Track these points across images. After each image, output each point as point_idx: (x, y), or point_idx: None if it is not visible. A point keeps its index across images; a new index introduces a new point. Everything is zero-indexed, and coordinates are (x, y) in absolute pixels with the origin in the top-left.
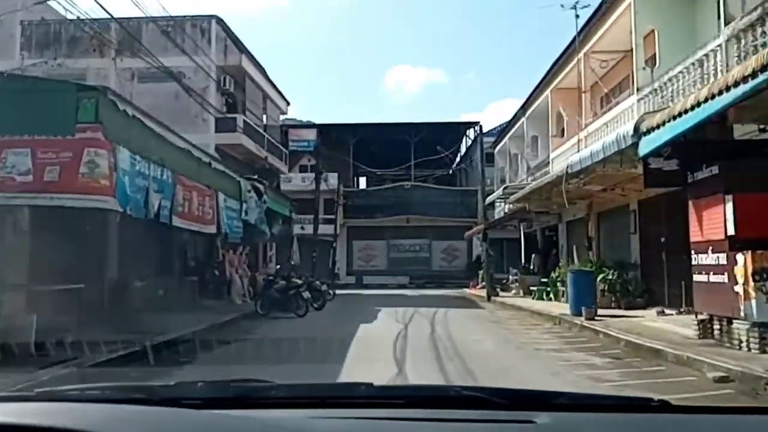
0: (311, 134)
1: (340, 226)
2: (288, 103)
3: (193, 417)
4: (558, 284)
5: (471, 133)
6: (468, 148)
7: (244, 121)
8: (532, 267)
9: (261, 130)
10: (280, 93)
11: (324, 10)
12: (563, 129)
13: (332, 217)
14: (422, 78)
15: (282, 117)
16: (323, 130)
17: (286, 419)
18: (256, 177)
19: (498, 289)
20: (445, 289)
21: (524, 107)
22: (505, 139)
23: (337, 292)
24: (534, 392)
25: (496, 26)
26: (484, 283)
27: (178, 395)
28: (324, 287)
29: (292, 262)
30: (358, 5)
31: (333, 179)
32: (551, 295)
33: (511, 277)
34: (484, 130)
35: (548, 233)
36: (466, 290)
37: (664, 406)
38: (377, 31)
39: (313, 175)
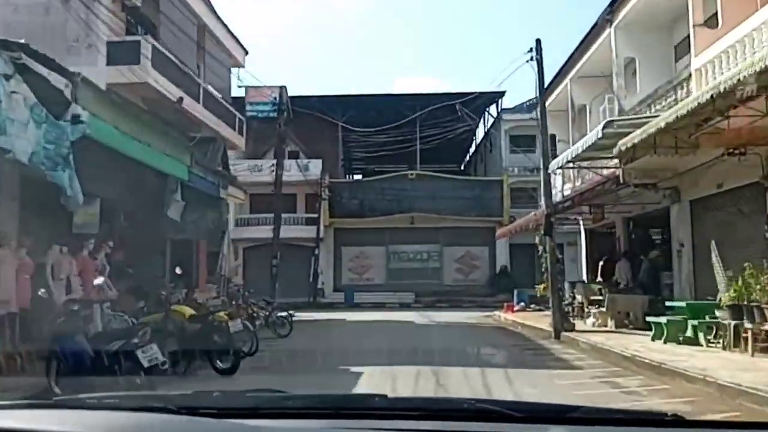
0: (275, 94)
1: (324, 228)
2: (246, 52)
3: (210, 426)
4: (726, 312)
5: (493, 111)
6: (490, 127)
7: (155, 48)
8: (616, 279)
9: (187, 69)
10: (233, 36)
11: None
12: (716, 15)
13: (314, 215)
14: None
15: (241, 80)
16: (302, 102)
17: (300, 429)
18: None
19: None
20: (463, 310)
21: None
22: (562, 86)
23: (316, 316)
24: (549, 406)
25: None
26: (531, 305)
27: (194, 404)
28: (276, 315)
29: (222, 273)
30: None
31: (315, 167)
32: (700, 335)
33: (569, 294)
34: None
35: (640, 225)
36: (499, 314)
37: (678, 421)
38: (386, 39)
39: (291, 162)
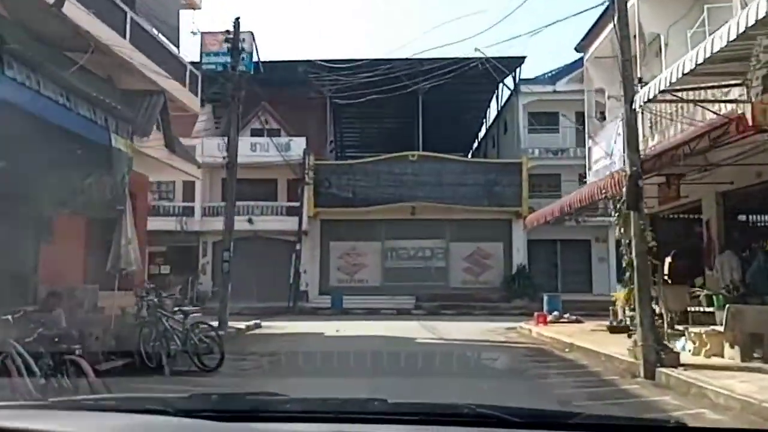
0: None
1: (309, 219)
2: None
3: (208, 428)
4: None
5: (507, 89)
6: (505, 102)
7: None
8: (702, 283)
9: None
10: None
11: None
12: None
13: (295, 204)
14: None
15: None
16: (285, 71)
17: None
18: None
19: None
20: (473, 318)
21: None
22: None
23: (289, 326)
24: (550, 412)
25: None
26: (566, 315)
27: (193, 407)
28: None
29: (118, 269)
30: None
31: (298, 147)
32: None
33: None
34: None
35: (742, 203)
36: (527, 326)
37: (681, 428)
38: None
39: (269, 141)
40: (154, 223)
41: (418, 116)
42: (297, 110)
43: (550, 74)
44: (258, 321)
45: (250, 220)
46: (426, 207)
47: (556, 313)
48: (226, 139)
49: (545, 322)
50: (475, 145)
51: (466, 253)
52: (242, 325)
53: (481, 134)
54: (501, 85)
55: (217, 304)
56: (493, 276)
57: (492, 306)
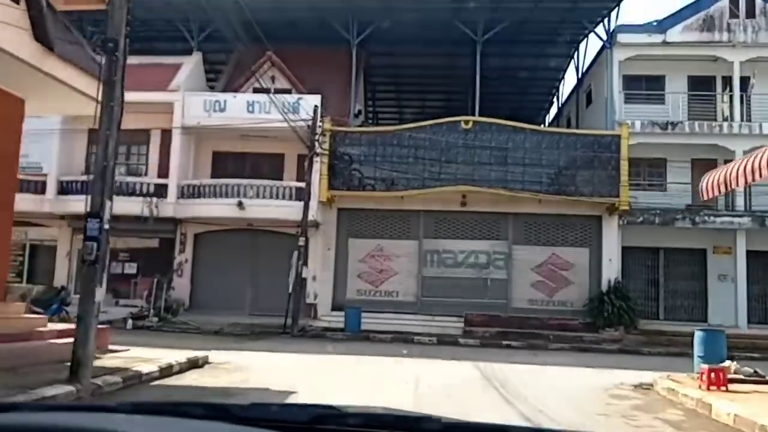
0: None
1: (321, 207)
2: None
3: None
4: None
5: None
6: (596, 57)
7: None
8: None
9: None
10: None
11: None
12: None
13: (300, 185)
14: None
15: None
16: (295, 8)
17: None
18: None
19: None
20: (552, 355)
21: None
22: None
23: (252, 365)
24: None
25: None
26: (734, 365)
27: (254, 415)
28: None
29: None
30: None
31: (310, 107)
32: None
33: None
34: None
35: None
36: (677, 388)
37: None
38: None
39: (267, 100)
40: (118, 206)
41: (475, 78)
42: (316, 66)
43: (654, 23)
44: (205, 355)
45: (240, 204)
46: (482, 195)
47: (728, 363)
48: (220, 95)
49: (724, 383)
50: (548, 120)
51: (536, 261)
52: (171, 360)
53: (556, 107)
54: (587, 35)
55: (200, 317)
56: (573, 294)
57: (573, 337)
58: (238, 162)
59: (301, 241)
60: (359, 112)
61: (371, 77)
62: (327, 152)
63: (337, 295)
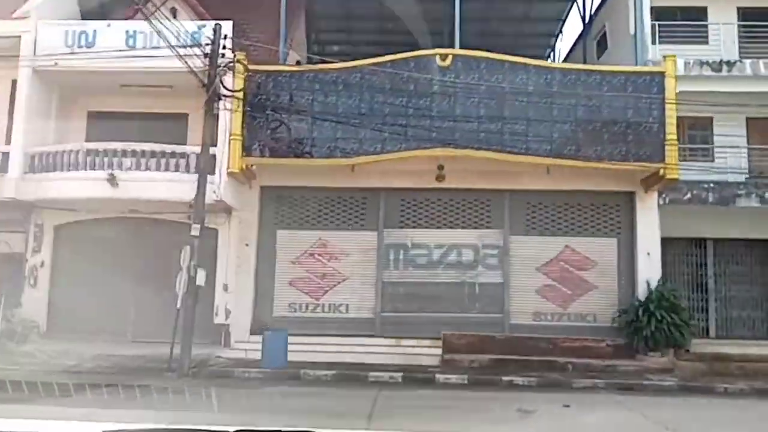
0: None
1: (231, 182)
2: None
3: None
4: None
5: None
6: None
7: None
8: None
9: None
10: None
11: None
12: None
13: (196, 149)
14: None
15: None
16: None
17: None
18: None
19: None
20: (576, 398)
21: None
22: None
23: None
24: None
25: None
26: None
27: None
28: None
29: None
30: None
31: (214, 36)
32: None
33: None
34: None
35: None
36: None
37: None
38: None
39: (150, 29)
40: None
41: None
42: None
43: None
44: None
45: (111, 178)
46: (467, 162)
47: None
48: (88, 24)
49: None
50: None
51: (543, 258)
52: None
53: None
54: None
55: (59, 345)
56: (596, 304)
57: (602, 366)
58: (122, 126)
59: (195, 230)
60: (297, 63)
61: (316, 22)
62: (240, 98)
63: (260, 312)
